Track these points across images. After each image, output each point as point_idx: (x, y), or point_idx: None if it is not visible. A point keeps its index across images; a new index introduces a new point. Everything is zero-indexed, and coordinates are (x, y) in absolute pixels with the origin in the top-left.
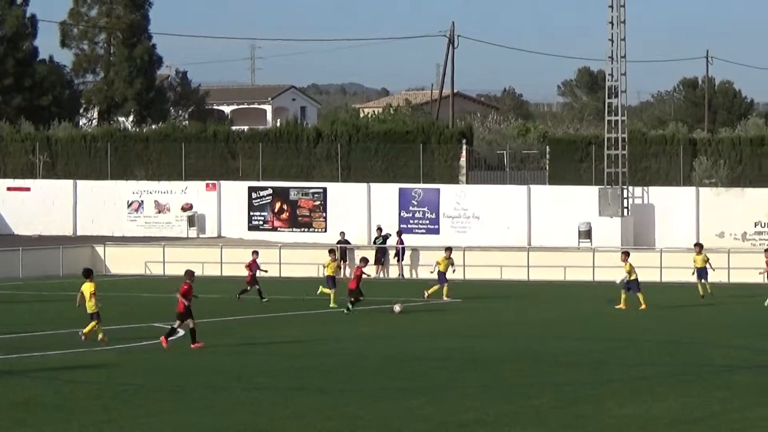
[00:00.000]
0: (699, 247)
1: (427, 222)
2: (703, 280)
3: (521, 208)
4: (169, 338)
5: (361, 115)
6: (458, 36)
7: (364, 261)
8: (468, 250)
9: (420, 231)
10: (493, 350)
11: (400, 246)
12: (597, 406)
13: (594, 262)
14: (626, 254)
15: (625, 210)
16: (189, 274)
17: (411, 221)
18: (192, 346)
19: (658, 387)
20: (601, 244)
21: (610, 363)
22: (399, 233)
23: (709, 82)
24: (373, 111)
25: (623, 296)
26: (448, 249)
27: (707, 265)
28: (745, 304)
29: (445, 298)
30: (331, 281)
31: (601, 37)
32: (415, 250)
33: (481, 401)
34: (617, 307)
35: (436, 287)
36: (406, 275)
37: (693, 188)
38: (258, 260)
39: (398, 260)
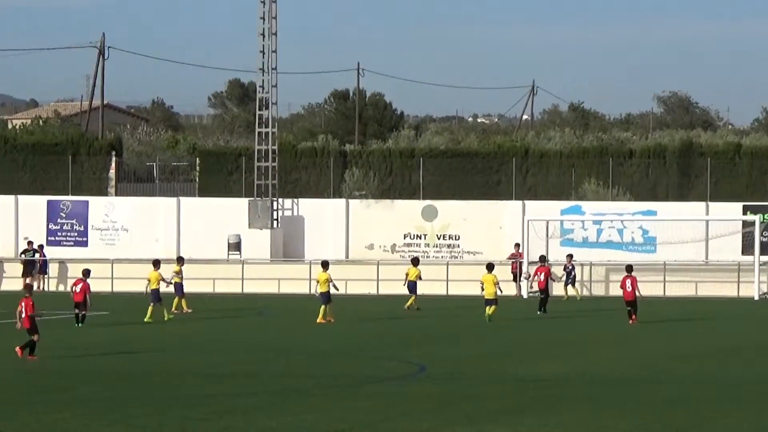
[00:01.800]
0: (415, 261)
1: (76, 234)
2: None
3: (171, 220)
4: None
5: (9, 126)
6: (108, 47)
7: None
8: (116, 262)
9: (68, 243)
10: (143, 364)
11: (43, 259)
12: (247, 418)
13: (243, 275)
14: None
15: (275, 222)
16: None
17: (59, 234)
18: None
19: (309, 398)
20: (250, 256)
21: (262, 375)
22: (40, 246)
23: (359, 95)
24: (22, 122)
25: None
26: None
27: (418, 279)
28: (394, 316)
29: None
30: None
31: (252, 49)
32: (62, 262)
33: (127, 413)
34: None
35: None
36: (52, 288)
37: (343, 200)
38: None
39: (42, 273)
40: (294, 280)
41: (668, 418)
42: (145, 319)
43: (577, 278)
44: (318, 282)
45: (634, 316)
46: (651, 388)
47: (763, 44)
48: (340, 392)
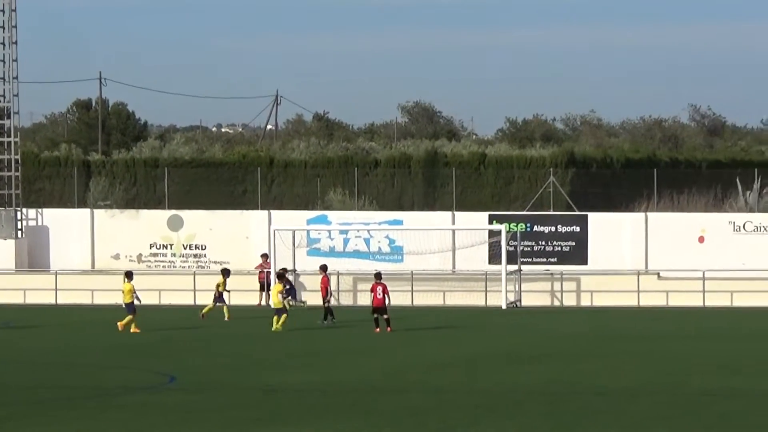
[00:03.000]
0: (225, 272)
1: None
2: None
3: None
4: None
5: None
6: None
7: None
8: None
9: None
10: None
11: None
12: None
13: None
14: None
15: (19, 232)
16: None
17: None
18: None
19: (57, 410)
20: None
21: (10, 386)
22: None
23: (102, 104)
24: None
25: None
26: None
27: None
28: (142, 327)
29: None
30: None
31: None
32: None
33: None
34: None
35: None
36: None
37: (88, 210)
38: None
39: None
40: (40, 291)
41: (418, 426)
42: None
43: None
44: (123, 292)
45: (389, 328)
46: (400, 397)
47: (506, 54)
48: (89, 403)
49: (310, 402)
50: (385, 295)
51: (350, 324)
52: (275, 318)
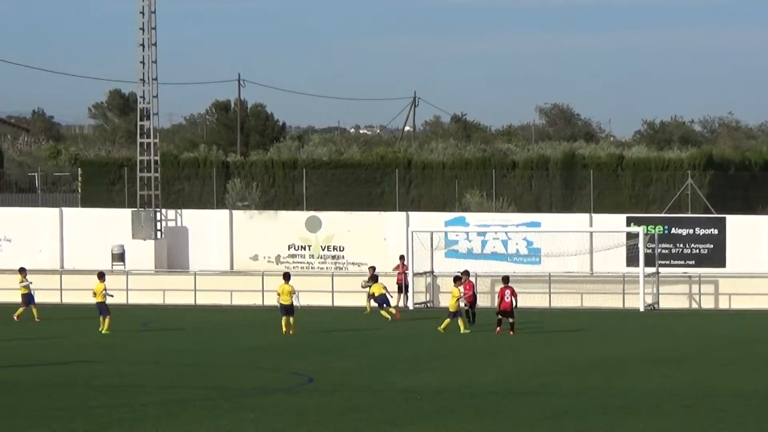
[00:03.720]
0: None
1: None
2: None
3: (54, 230)
4: None
5: None
6: None
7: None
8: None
9: None
10: (26, 376)
11: None
12: (131, 430)
13: (127, 285)
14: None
15: (159, 233)
16: None
17: None
18: None
19: (195, 410)
20: (134, 266)
21: (147, 386)
22: None
23: (241, 105)
24: None
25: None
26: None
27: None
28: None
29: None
30: None
31: (132, 59)
32: None
33: (9, 426)
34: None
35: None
36: None
37: (227, 211)
38: None
39: None
40: (179, 291)
41: (554, 430)
42: (103, 331)
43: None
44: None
45: (512, 331)
46: (536, 400)
47: (643, 57)
48: (226, 404)
49: (443, 403)
50: (513, 299)
51: (487, 326)
52: (459, 321)
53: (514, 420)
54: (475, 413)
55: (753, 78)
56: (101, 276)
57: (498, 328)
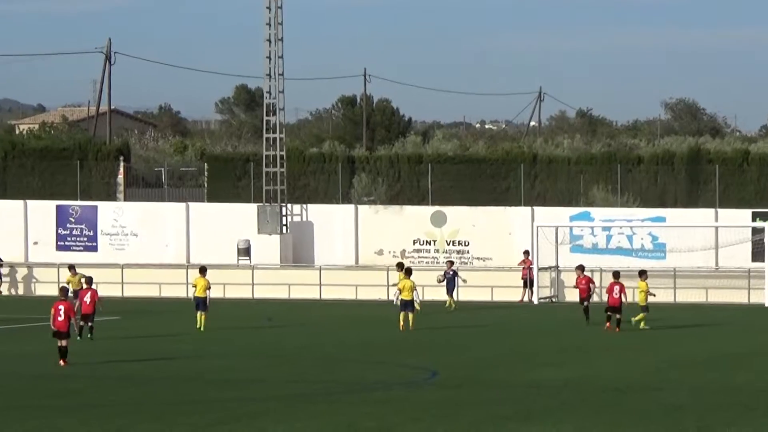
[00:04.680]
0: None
1: (85, 239)
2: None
3: (180, 225)
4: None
5: (17, 131)
6: (115, 52)
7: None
8: (126, 267)
9: (78, 248)
10: (153, 370)
11: None
12: (253, 424)
13: (253, 280)
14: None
15: (284, 227)
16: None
17: (69, 238)
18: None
19: (316, 404)
20: (260, 261)
21: (269, 380)
22: None
23: (367, 100)
24: (29, 127)
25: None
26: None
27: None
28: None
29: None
30: None
31: (258, 55)
32: (12, 267)
33: (130, 419)
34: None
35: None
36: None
37: (352, 206)
38: None
39: None
40: (304, 286)
41: (674, 425)
42: (201, 328)
43: (459, 286)
44: (401, 289)
45: (617, 327)
46: (657, 395)
47: None
48: (348, 398)
49: (563, 398)
50: (622, 295)
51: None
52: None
53: (629, 416)
54: (596, 409)
55: None
56: (203, 271)
57: (608, 324)
